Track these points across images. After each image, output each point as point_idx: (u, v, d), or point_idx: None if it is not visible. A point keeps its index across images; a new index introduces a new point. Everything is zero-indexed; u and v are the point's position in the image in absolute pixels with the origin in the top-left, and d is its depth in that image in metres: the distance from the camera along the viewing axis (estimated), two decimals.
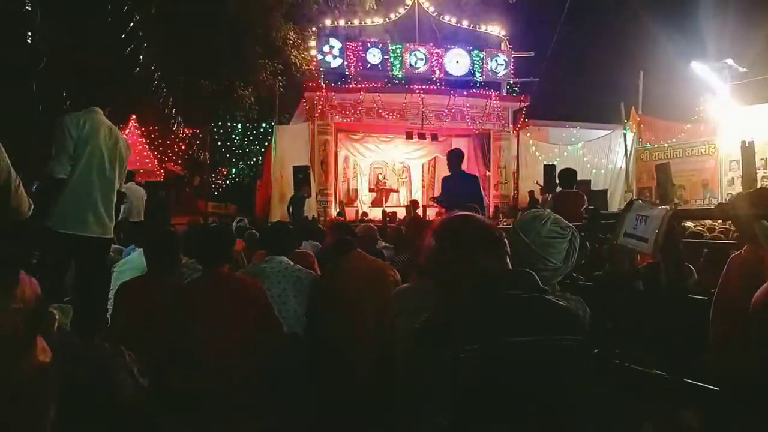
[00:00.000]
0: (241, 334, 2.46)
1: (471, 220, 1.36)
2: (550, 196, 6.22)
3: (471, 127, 14.87)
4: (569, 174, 5.99)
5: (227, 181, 20.11)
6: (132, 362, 1.17)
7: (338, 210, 13.82)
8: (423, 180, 17.76)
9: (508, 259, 1.32)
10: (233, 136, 19.89)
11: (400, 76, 14.20)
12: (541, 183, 12.67)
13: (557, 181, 6.13)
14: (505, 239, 1.35)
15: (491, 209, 14.86)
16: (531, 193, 13.44)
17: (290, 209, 10.77)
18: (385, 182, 17.02)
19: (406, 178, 17.36)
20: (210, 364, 2.38)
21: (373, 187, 17.09)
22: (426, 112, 14.08)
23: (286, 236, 3.40)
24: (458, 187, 5.88)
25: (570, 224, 1.74)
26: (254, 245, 5.57)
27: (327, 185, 13.85)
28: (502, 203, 14.69)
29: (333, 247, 3.47)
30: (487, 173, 15.78)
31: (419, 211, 11.61)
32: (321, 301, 3.17)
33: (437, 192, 17.44)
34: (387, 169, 17.28)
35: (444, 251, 1.33)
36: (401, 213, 12.60)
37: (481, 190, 6.14)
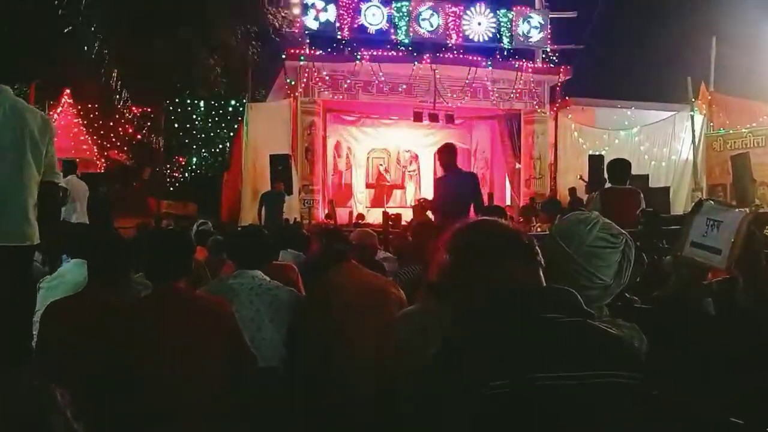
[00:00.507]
0: (202, 370, 2.46)
1: (494, 225, 1.37)
2: (597, 194, 6.24)
3: (496, 106, 14.92)
4: (621, 166, 6.01)
5: (186, 174, 20.18)
6: (65, 403, 1.18)
7: (327, 211, 13.84)
8: (435, 173, 17.75)
9: (542, 274, 1.33)
10: (194, 116, 19.98)
11: (406, 41, 14.25)
12: (586, 178, 12.69)
13: (606, 175, 6.17)
14: (539, 249, 1.35)
15: (517, 209, 14.89)
16: (572, 191, 13.46)
17: (263, 210, 10.81)
18: (386, 176, 17.06)
19: (414, 171, 17.42)
20: (163, 407, 2.38)
21: (371, 182, 17.14)
22: (439, 88, 14.12)
23: (261, 244, 3.40)
24: (455, 188, 6.09)
25: (623, 230, 1.74)
26: (220, 255, 5.57)
27: (313, 180, 13.91)
28: (538, 203, 14.70)
29: (320, 259, 3.48)
30: (517, 166, 15.82)
31: (430, 214, 11.62)
32: (305, 327, 3.17)
33: None
34: (389, 160, 17.33)
35: (461, 264, 1.33)
36: (407, 215, 12.60)
37: (482, 191, 6.42)
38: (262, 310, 3.11)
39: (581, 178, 13.23)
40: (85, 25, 14.54)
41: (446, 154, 6.41)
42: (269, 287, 3.21)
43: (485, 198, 9.04)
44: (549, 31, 14.88)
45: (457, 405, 1.14)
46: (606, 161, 7.42)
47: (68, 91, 15.64)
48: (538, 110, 14.99)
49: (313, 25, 13.85)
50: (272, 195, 11.00)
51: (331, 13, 13.84)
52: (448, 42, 14.37)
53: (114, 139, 17.56)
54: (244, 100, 14.78)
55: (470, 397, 1.13)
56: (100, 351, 2.47)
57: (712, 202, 2.14)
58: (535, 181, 15.11)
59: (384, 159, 17.33)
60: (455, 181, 6.25)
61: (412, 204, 12.64)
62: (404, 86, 14.17)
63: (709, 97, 13.31)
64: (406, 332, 2.33)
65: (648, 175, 12.62)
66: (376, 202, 16.78)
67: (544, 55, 15.04)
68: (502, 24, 14.56)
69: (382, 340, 2.86)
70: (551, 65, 14.98)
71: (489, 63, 14.28)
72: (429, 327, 2.11)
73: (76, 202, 8.53)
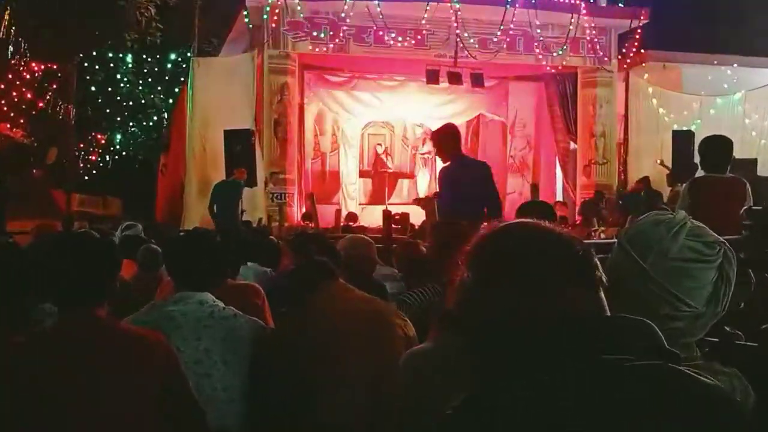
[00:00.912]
0: (129, 430, 2.45)
1: (533, 230, 1.36)
2: (685, 186, 6.25)
3: (543, 62, 14.92)
4: (721, 147, 5.99)
5: (107, 157, 20.21)
6: None
7: (305, 210, 13.87)
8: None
9: (604, 299, 1.33)
10: (118, 76, 19.98)
11: None
12: (668, 164, 12.70)
13: (697, 159, 6.17)
14: (598, 264, 1.35)
15: (577, 208, 14.87)
16: (645, 181, 13.48)
17: (215, 207, 10.81)
18: (388, 161, 17.09)
19: (428, 154, 17.43)
20: None
21: (367, 169, 17.16)
22: (463, 36, 14.13)
23: (212, 256, 3.41)
24: (465, 181, 6.33)
25: (720, 238, 1.74)
26: (154, 271, 5.61)
27: (285, 165, 13.94)
28: (606, 198, 14.70)
29: (296, 276, 3.48)
30: (572, 146, 15.82)
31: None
32: (273, 373, 3.17)
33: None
34: (393, 138, 17.35)
35: (485, 287, 1.33)
36: (417, 216, 12.57)
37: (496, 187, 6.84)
38: (214, 348, 3.11)
39: (661, 163, 13.25)
40: None
41: (446, 137, 6.62)
42: (224, 316, 3.21)
43: (502, 193, 9.17)
44: None
45: None
46: (697, 139, 7.37)
47: None
48: (603, 68, 15.00)
49: None
50: (227, 186, 11.03)
51: None
52: None
53: (5, 108, 17.57)
54: (189, 54, 14.82)
55: None
56: None
57: None
58: (596, 167, 15.13)
59: (385, 137, 17.37)
60: (463, 172, 6.49)
61: (423, 198, 12.57)
62: (413, 34, 14.18)
63: None
64: (415, 378, 2.33)
65: (756, 159, 12.65)
66: (375, 198, 16.81)
67: None
68: None
69: (380, 388, 2.86)
70: (621, 5, 14.99)
71: (533, 0, 14.28)
72: (446, 372, 2.11)
73: None
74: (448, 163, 6.61)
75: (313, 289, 3.29)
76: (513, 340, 1.28)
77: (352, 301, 3.31)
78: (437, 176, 6.88)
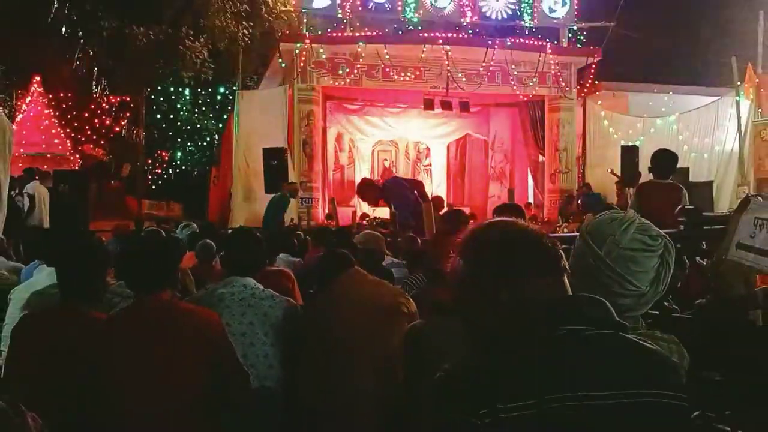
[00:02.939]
0: (189, 390, 2.47)
1: (510, 227, 1.37)
2: (635, 190, 6.21)
3: (517, 92, 14.90)
4: (669, 158, 5.92)
5: (169, 171, 20.27)
6: (36, 427, 1.19)
7: (328, 211, 13.86)
8: (448, 168, 17.84)
9: (567, 282, 1.33)
10: (178, 105, 20.04)
11: (415, 19, 14.28)
12: (618, 172, 12.66)
13: (643, 168, 6.14)
14: (562, 254, 1.35)
15: (546, 209, 14.85)
16: (586, 186, 13.41)
17: (270, 217, 10.44)
18: (393, 171, 17.07)
19: (428, 165, 17.44)
20: (145, 429, 2.39)
21: (377, 178, 17.15)
22: (453, 72, 14.12)
23: (255, 248, 3.41)
24: (398, 199, 7.17)
25: (662, 232, 1.74)
26: (208, 261, 5.61)
27: (312, 176, 13.95)
28: (565, 199, 14.67)
29: (321, 264, 3.48)
30: (540, 159, 15.79)
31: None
32: (303, 343, 3.18)
33: (466, 187, 17.57)
34: (397, 154, 17.34)
35: (475, 272, 1.34)
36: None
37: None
38: (256, 323, 3.11)
39: (612, 172, 13.19)
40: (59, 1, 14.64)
41: (365, 190, 7.21)
42: (263, 296, 3.21)
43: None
44: (576, 6, 14.85)
45: (471, 430, 1.14)
46: (641, 153, 7.46)
47: (38, 78, 15.71)
48: (565, 96, 14.95)
49: (311, 3, 13.89)
50: (277, 199, 10.77)
51: None
52: (462, 20, 14.38)
53: (89, 132, 17.66)
54: (234, 87, 14.84)
55: (487, 422, 1.13)
56: (76, 370, 2.48)
57: (761, 199, 2.14)
58: (560, 175, 15.08)
59: (391, 153, 17.36)
60: (394, 193, 7.17)
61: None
62: (413, 70, 14.17)
63: (757, 80, 13.21)
64: (414, 348, 2.33)
65: (688, 168, 12.54)
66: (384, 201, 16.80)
67: (570, 34, 15.02)
68: None
69: (392, 359, 2.85)
70: (579, 45, 14.95)
71: (509, 43, 14.25)
72: (436, 346, 2.11)
73: (38, 207, 8.66)
74: (384, 197, 7.21)
75: (335, 274, 3.29)
76: (490, 316, 1.28)
77: (367, 284, 3.30)
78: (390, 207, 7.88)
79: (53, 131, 15.74)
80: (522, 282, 1.29)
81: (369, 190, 7.15)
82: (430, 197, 9.83)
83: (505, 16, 14.51)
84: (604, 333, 1.24)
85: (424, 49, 13.83)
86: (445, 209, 11.54)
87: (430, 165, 17.52)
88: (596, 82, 15.08)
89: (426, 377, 1.41)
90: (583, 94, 15.04)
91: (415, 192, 7.12)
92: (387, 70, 13.98)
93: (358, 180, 16.68)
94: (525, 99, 15.43)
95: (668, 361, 1.32)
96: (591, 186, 13.77)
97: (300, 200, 13.10)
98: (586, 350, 1.21)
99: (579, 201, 14.02)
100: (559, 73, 14.80)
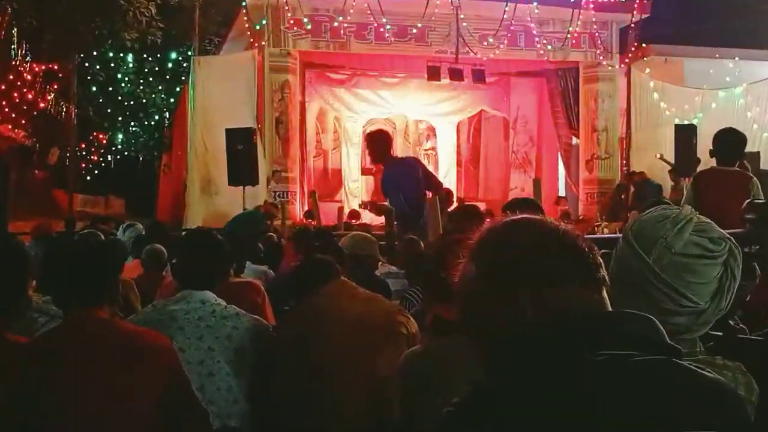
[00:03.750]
0: (131, 430, 2.46)
1: (538, 225, 1.36)
2: (688, 180, 6.23)
3: (544, 58, 14.91)
4: (732, 140, 5.92)
5: (109, 158, 20.22)
6: None
7: (307, 208, 13.86)
8: (459, 154, 17.87)
9: (606, 296, 1.33)
10: (119, 75, 19.99)
11: None
12: (671, 158, 12.66)
13: (711, 151, 6.08)
14: (601, 261, 1.35)
15: (581, 204, 14.87)
16: (638, 177, 13.38)
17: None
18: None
19: (430, 149, 17.43)
20: None
21: (369, 166, 17.14)
22: (464, 33, 14.12)
23: (215, 254, 3.41)
24: (407, 180, 7.06)
25: (726, 233, 1.74)
26: (158, 271, 5.61)
27: (287, 163, 13.96)
28: (601, 192, 14.69)
29: (298, 275, 3.48)
30: (574, 141, 15.81)
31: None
32: (276, 373, 3.18)
33: (481, 177, 17.53)
34: (395, 135, 17.31)
35: (490, 281, 1.33)
36: None
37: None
38: (217, 348, 3.11)
39: (662, 158, 13.20)
40: None
41: (375, 143, 7.25)
42: (226, 315, 3.21)
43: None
44: None
45: None
46: (699, 133, 7.41)
47: None
48: (604, 63, 14.97)
49: None
50: (245, 218, 10.59)
51: None
52: None
53: (7, 109, 17.58)
54: (189, 53, 14.82)
55: None
56: None
57: None
58: (599, 162, 15.10)
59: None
60: (397, 175, 7.11)
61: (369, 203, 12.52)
62: (415, 31, 14.17)
63: None
64: (417, 378, 2.33)
65: (759, 152, 12.61)
66: (377, 195, 16.77)
67: None
68: None
69: (384, 390, 2.85)
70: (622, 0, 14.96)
71: None
72: (441, 374, 2.11)
73: None
74: (385, 169, 7.23)
75: (316, 287, 3.29)
76: (515, 336, 1.28)
77: (356, 299, 3.30)
78: (381, 183, 7.88)
79: None
80: (551, 294, 1.29)
81: (381, 145, 7.24)
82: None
83: None
84: (652, 359, 1.24)
85: (428, 3, 13.82)
86: (455, 205, 11.61)
87: (434, 149, 17.49)
88: (643, 45, 15.09)
89: (428, 414, 1.40)
90: (627, 61, 15.04)
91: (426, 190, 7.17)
92: (381, 30, 13.97)
93: (346, 168, 16.75)
94: (554, 66, 15.44)
95: (733, 395, 1.32)
96: (646, 174, 13.64)
97: (272, 194, 13.10)
98: (631, 381, 1.20)
99: (623, 195, 13.98)
100: (597, 34, 14.82)
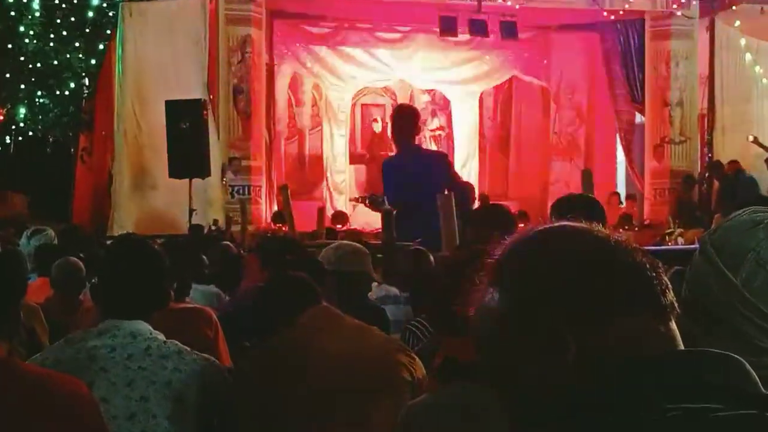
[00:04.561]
0: None
1: (584, 238, 1.37)
2: None
3: (597, 5, 14.95)
4: None
5: (7, 139, 20.20)
6: None
7: (277, 207, 13.90)
8: (481, 134, 17.80)
9: (675, 327, 1.33)
10: (22, 29, 19.99)
11: None
12: (765, 141, 12.71)
13: None
14: (668, 282, 1.35)
15: (647, 205, 14.91)
16: (730, 167, 13.45)
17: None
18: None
19: (437, 130, 17.46)
20: None
21: (361, 151, 17.21)
22: None
23: (150, 271, 3.41)
24: (413, 177, 7.12)
25: None
26: (74, 293, 5.60)
27: (250, 148, 13.99)
28: (675, 188, 14.72)
29: (264, 299, 3.49)
30: (638, 119, 15.85)
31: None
32: (232, 429, 3.18)
33: (511, 167, 17.54)
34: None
35: (522, 312, 1.33)
36: None
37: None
38: (152, 397, 3.13)
39: (755, 141, 13.26)
40: None
41: (401, 119, 7.55)
42: (165, 354, 3.21)
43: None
44: None
45: None
46: None
47: None
48: (679, 13, 15.01)
49: None
50: None
51: None
52: None
53: None
54: None
55: None
56: None
57: None
58: (671, 147, 15.13)
59: (384, 108, 17.40)
60: (412, 164, 7.32)
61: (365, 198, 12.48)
62: None
63: None
64: None
65: None
66: (371, 191, 16.80)
67: None
68: None
69: None
70: None
71: None
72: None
73: None
74: (393, 154, 7.28)
75: (288, 316, 3.29)
76: (554, 382, 1.28)
77: (343, 333, 3.31)
78: (382, 168, 8.39)
79: None
80: (602, 328, 1.29)
81: (410, 125, 7.43)
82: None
83: None
84: (741, 415, 1.24)
85: None
86: (477, 204, 11.64)
87: (443, 129, 17.49)
88: None
89: None
90: (710, 11, 15.09)
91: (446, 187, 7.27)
92: None
93: (329, 154, 16.75)
94: (611, 18, 15.49)
95: None
96: (739, 163, 13.62)
97: (229, 188, 13.11)
98: None
99: (705, 190, 14.03)
100: None
